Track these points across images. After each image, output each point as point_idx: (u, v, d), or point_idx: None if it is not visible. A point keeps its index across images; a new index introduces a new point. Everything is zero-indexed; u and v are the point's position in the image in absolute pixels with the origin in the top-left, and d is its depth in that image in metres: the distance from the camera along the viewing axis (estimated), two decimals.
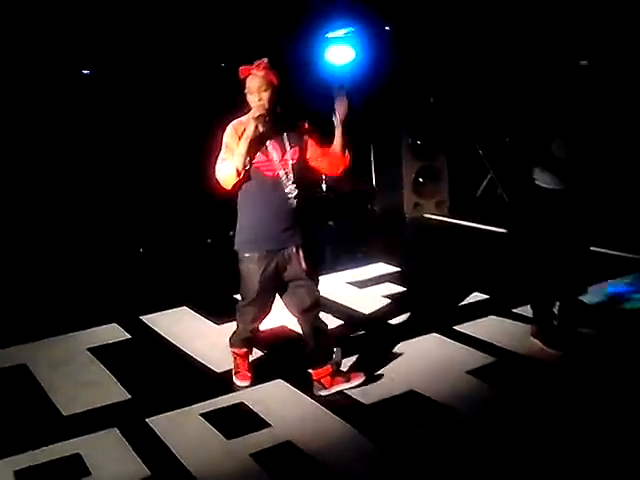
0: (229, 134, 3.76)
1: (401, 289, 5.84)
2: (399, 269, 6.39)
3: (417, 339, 4.69)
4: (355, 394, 3.98)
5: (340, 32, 8.54)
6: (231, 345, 4.27)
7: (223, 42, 7.72)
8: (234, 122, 3.80)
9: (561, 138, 4.21)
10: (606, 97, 4.55)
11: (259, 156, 3.72)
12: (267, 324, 4.54)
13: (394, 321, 5.09)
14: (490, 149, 8.96)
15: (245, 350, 4.24)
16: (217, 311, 5.30)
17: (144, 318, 5.42)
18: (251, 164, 3.70)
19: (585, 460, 3.23)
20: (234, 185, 3.74)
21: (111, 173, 7.80)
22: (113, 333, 5.17)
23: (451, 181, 8.66)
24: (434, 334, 4.75)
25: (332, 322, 5.04)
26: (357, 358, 4.42)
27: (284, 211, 3.78)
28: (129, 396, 4.17)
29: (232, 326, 4.29)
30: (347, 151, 3.89)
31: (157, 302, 5.69)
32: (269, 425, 3.72)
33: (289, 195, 3.75)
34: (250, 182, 3.76)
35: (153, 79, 7.88)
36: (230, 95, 3.99)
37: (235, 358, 4.27)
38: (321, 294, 3.98)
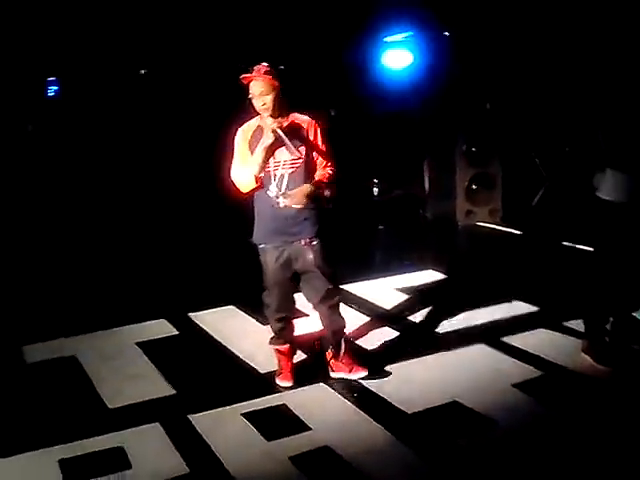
0: (240, 138, 3.99)
1: (449, 297, 5.77)
2: (448, 277, 6.32)
3: (463, 349, 4.63)
4: (398, 402, 3.95)
5: (398, 36, 8.52)
6: (271, 343, 4.30)
7: (283, 46, 7.79)
8: (243, 126, 4.02)
9: (625, 150, 4.10)
10: None
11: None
12: (311, 327, 4.55)
13: (441, 330, 5.03)
14: (547, 158, 8.80)
15: (286, 347, 4.26)
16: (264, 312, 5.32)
17: (192, 315, 5.48)
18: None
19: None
20: (252, 189, 3.95)
21: (169, 172, 7.94)
22: (161, 328, 5.25)
23: (505, 189, 8.53)
24: (481, 345, 4.67)
25: (378, 328, 5.04)
26: (401, 366, 4.38)
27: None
28: (174, 392, 4.22)
29: None
30: (331, 168, 4.02)
31: (206, 300, 5.75)
32: (310, 429, 3.71)
33: (270, 195, 3.90)
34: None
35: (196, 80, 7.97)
36: None
37: (278, 359, 4.28)
38: (339, 287, 4.13)
